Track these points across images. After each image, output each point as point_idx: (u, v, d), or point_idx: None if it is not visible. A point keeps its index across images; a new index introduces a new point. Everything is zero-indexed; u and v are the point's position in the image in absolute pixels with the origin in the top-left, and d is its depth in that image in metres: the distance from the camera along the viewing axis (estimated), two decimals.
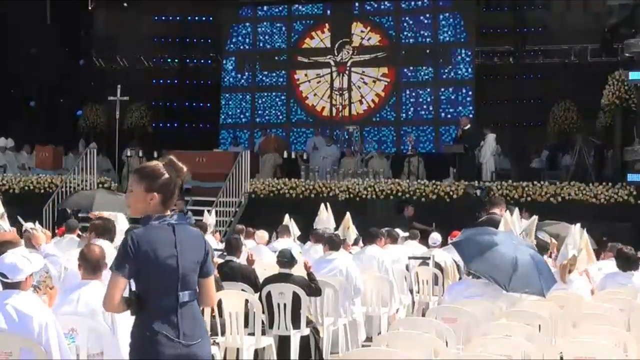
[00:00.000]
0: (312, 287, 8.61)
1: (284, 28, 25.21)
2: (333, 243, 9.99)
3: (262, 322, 8.11)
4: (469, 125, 19.72)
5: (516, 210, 10.60)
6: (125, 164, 21.57)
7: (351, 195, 18.53)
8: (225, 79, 25.58)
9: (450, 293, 7.78)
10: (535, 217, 9.50)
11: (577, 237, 8.55)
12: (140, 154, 21.72)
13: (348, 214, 12.96)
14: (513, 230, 8.93)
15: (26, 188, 19.54)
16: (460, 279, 10.88)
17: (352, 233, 12.72)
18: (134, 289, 4.19)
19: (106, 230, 7.76)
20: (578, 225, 8.86)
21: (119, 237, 7.20)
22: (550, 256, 10.05)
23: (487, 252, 7.18)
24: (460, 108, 23.56)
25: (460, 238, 7.71)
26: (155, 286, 4.16)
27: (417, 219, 17.22)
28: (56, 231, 13.57)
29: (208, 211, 15.42)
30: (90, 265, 5.80)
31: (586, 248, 8.80)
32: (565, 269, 8.22)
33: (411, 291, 11.68)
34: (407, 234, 13.88)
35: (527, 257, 7.30)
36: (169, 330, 4.13)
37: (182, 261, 4.18)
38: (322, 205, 13.45)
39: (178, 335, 4.14)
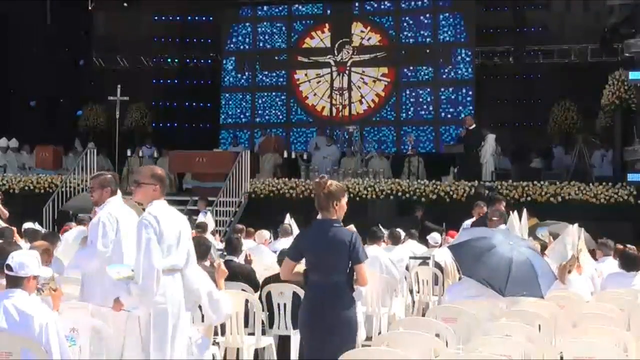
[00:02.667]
0: None
1: (284, 28, 25.22)
2: None
3: (262, 322, 8.10)
4: (474, 125, 19.53)
5: (524, 213, 10.65)
6: (126, 164, 21.57)
7: (351, 195, 18.49)
8: (225, 79, 25.58)
9: (451, 293, 7.78)
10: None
11: (575, 238, 8.55)
12: (141, 153, 21.76)
13: None
14: (519, 234, 8.93)
15: (26, 188, 19.53)
16: (460, 278, 10.87)
17: None
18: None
19: None
20: (576, 225, 8.85)
21: None
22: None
23: (483, 256, 7.18)
24: (460, 108, 23.57)
25: (458, 241, 7.71)
26: (311, 267, 5.88)
27: (425, 219, 17.20)
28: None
29: (204, 212, 15.50)
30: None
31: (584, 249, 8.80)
32: (565, 270, 8.21)
33: (411, 291, 11.68)
34: (405, 234, 13.87)
35: (524, 258, 7.25)
36: (316, 298, 5.81)
37: (326, 252, 5.80)
38: None
39: (320, 303, 5.78)
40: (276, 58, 25.31)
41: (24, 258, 5.24)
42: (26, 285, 5.19)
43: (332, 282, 5.77)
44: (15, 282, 5.17)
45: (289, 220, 13.81)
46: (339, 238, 5.80)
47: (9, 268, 5.17)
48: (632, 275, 8.53)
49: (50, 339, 5.02)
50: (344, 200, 5.97)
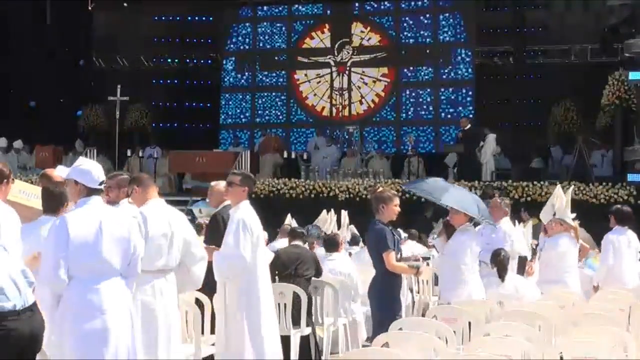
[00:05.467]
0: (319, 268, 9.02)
1: (284, 28, 25.22)
2: (332, 244, 10.02)
3: None
4: (469, 126, 19.76)
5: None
6: (126, 164, 21.57)
7: (351, 195, 18.51)
8: (225, 79, 25.58)
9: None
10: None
11: (561, 201, 9.51)
12: (141, 154, 21.75)
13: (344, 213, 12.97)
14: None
15: None
16: None
17: (348, 232, 12.73)
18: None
19: None
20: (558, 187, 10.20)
21: None
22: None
23: (427, 185, 9.01)
24: (460, 108, 23.57)
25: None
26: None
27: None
28: None
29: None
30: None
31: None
32: (585, 251, 9.82)
33: (411, 291, 11.68)
34: (406, 234, 13.87)
35: (465, 191, 8.89)
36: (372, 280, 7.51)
37: (370, 243, 7.45)
38: (324, 212, 13.39)
39: (371, 284, 7.42)
40: (276, 58, 25.32)
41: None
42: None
43: (376, 268, 7.28)
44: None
45: (289, 220, 13.80)
46: (373, 232, 7.29)
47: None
48: (626, 229, 9.97)
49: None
50: (392, 204, 7.23)
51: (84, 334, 5.09)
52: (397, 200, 7.30)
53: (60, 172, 5.63)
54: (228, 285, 6.73)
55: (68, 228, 5.15)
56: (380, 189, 7.45)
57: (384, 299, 7.13)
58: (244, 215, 6.71)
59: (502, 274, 8.34)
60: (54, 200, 5.88)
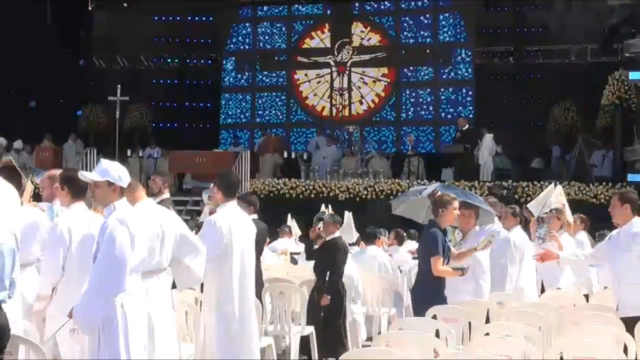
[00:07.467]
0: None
1: (284, 28, 25.23)
2: None
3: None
4: (467, 126, 19.76)
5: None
6: (126, 164, 21.53)
7: (351, 195, 18.51)
8: (225, 79, 25.59)
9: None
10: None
11: (551, 197, 9.63)
12: (141, 153, 21.73)
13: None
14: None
15: None
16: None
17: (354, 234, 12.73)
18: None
19: None
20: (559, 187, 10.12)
21: None
22: None
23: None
24: (460, 108, 23.58)
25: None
26: None
27: None
28: None
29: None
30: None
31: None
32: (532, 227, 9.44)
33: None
34: (405, 234, 13.86)
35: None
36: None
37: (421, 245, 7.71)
38: (322, 206, 13.40)
39: (415, 284, 7.69)
40: (276, 58, 25.33)
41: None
42: None
43: (421, 267, 7.36)
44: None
45: (290, 221, 13.82)
46: (427, 235, 7.28)
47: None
48: None
49: None
50: (451, 207, 7.16)
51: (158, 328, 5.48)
52: (456, 204, 7.25)
53: (84, 176, 5.55)
54: (204, 287, 6.72)
55: (127, 226, 5.29)
56: (439, 193, 7.45)
57: (427, 298, 7.10)
58: (216, 217, 6.74)
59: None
60: (83, 184, 5.89)
